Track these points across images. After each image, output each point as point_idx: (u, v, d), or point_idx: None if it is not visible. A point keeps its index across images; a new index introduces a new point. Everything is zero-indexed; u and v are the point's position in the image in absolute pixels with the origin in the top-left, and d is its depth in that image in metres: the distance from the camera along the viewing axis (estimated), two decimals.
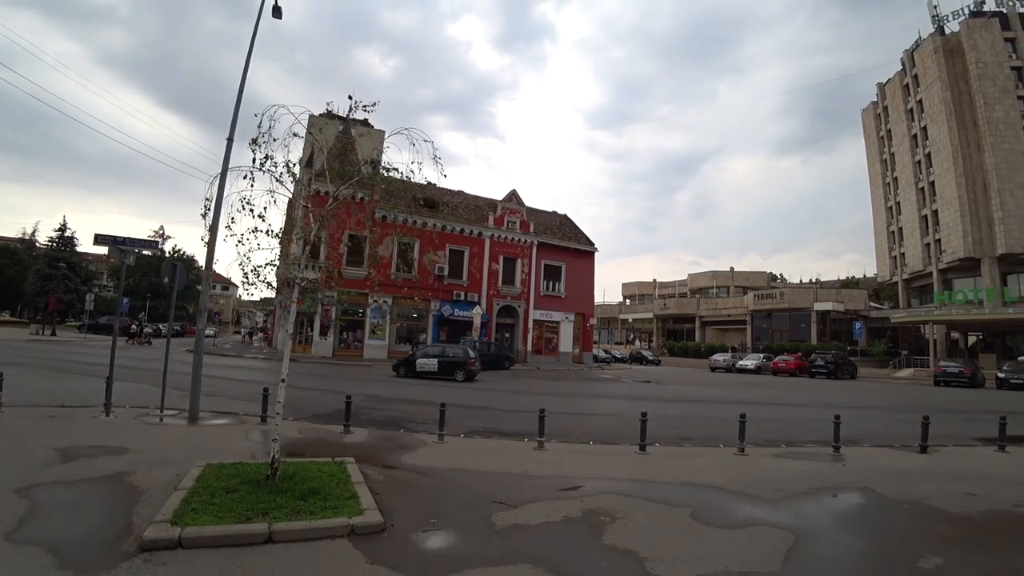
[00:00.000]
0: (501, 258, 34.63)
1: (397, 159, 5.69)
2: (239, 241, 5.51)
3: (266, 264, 5.41)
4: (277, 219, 6.00)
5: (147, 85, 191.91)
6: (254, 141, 5.22)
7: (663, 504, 5.36)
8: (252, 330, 61.13)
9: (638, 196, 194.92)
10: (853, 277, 68.48)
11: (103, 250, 10.56)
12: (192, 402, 8.73)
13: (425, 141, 5.79)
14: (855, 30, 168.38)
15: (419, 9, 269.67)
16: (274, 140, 5.21)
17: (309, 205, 5.93)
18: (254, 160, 5.22)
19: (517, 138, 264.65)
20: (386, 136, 5.85)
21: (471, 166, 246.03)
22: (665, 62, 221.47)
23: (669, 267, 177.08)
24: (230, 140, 8.35)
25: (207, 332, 44.06)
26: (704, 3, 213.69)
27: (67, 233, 51.07)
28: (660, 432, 9.28)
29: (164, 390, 9.09)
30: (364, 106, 5.89)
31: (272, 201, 5.44)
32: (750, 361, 37.90)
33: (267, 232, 5.52)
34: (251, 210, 5.46)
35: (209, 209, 5.45)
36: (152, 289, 51.37)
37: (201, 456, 6.19)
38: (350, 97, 6.06)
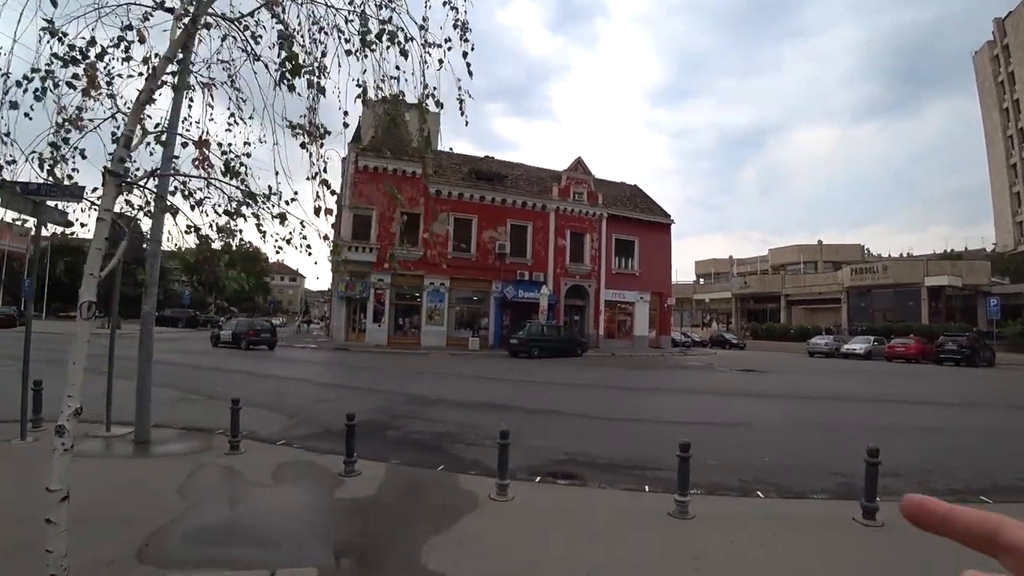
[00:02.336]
0: (568, 233, 30.91)
1: None
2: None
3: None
4: None
5: None
6: None
7: None
8: (309, 320, 64.43)
9: (701, 174, 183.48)
10: (953, 250, 58.23)
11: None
12: (139, 420, 5.97)
13: None
14: None
15: None
16: None
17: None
18: None
19: (572, 120, 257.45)
20: None
21: (528, 151, 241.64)
22: (724, 33, 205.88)
23: (737, 245, 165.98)
24: None
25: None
26: None
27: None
28: (829, 459, 5.82)
29: (110, 401, 6.36)
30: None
31: None
32: (858, 345, 32.15)
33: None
34: None
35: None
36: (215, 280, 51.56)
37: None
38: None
